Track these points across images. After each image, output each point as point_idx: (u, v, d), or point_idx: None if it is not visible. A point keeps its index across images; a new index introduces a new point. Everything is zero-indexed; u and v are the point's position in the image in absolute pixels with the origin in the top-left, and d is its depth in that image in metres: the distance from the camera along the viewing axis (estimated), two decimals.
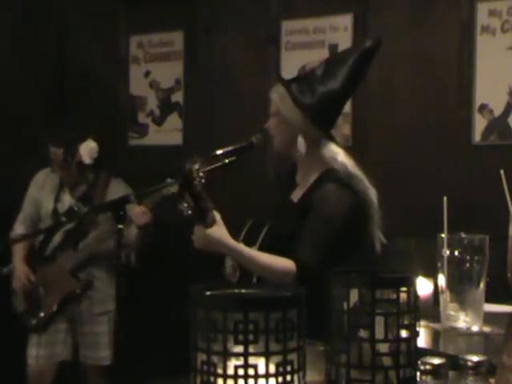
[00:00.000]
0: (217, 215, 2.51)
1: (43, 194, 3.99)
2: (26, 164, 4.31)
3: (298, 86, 2.65)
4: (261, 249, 2.60)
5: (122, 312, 3.91)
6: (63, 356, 3.93)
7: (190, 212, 2.45)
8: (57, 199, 3.94)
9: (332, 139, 2.66)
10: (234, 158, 2.63)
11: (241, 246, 2.55)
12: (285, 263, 2.49)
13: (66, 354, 3.94)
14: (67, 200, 3.94)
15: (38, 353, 3.86)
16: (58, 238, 3.91)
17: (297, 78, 2.75)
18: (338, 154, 2.64)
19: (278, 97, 2.68)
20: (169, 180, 2.82)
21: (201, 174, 2.47)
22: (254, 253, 2.54)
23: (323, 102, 2.61)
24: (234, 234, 2.63)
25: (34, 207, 4.01)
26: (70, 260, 3.85)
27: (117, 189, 3.92)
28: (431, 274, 2.55)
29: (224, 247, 2.52)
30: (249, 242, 2.63)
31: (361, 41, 2.76)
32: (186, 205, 2.44)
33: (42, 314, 3.83)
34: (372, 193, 2.61)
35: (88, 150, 3.89)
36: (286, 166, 2.83)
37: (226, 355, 1.26)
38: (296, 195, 2.70)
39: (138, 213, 3.66)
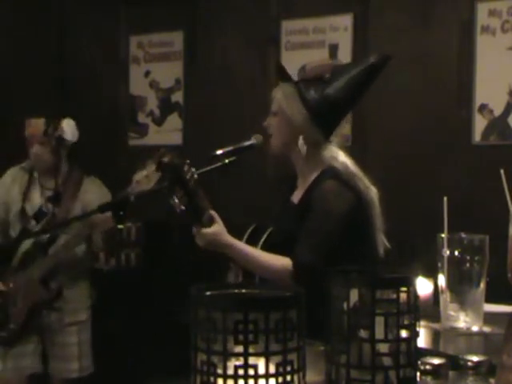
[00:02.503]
0: (215, 214, 2.51)
1: (11, 195, 3.78)
2: None
3: (305, 86, 2.64)
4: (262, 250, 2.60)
5: (97, 321, 3.90)
6: (33, 368, 3.73)
7: (182, 208, 2.44)
8: (25, 198, 3.73)
9: (330, 142, 2.66)
10: (233, 157, 2.62)
11: (240, 244, 2.54)
12: (282, 261, 2.48)
13: (36, 367, 3.74)
14: (37, 199, 3.73)
15: (5, 365, 3.67)
16: (26, 243, 3.68)
17: (304, 79, 2.75)
18: (338, 154, 2.63)
19: (282, 95, 2.67)
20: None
21: (193, 169, 2.46)
22: (252, 250, 2.54)
23: (327, 104, 2.61)
24: (236, 236, 2.63)
25: (2, 210, 3.81)
26: (39, 268, 3.62)
27: (91, 188, 3.75)
28: (431, 274, 2.55)
29: (223, 246, 2.52)
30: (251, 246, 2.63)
31: (367, 56, 2.75)
32: (176, 200, 2.43)
33: (12, 326, 3.63)
34: (373, 192, 2.59)
35: (70, 126, 3.68)
36: (287, 167, 2.82)
37: (226, 355, 1.26)
38: (296, 196, 2.69)
39: (102, 218, 3.50)
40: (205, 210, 2.48)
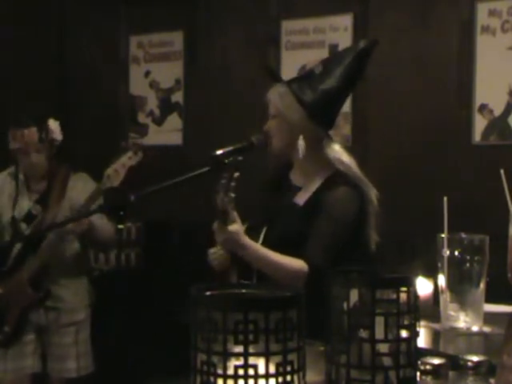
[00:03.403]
0: (236, 215, 2.52)
1: (1, 201, 3.75)
2: None
3: (298, 84, 2.65)
4: None
5: (97, 321, 3.89)
6: (33, 368, 3.70)
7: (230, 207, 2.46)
8: (15, 204, 3.70)
9: (331, 139, 2.66)
10: (233, 158, 2.62)
11: (256, 245, 2.55)
12: (297, 263, 2.49)
13: (36, 367, 3.71)
14: (26, 204, 3.70)
15: (6, 367, 3.64)
16: (18, 247, 3.66)
17: (296, 78, 2.75)
18: (342, 155, 2.64)
19: (278, 96, 2.66)
20: None
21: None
22: (267, 252, 2.54)
23: (324, 100, 2.61)
24: None
25: None
26: (28, 268, 3.60)
27: (77, 184, 3.70)
28: (431, 274, 2.55)
29: (240, 246, 2.51)
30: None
31: (357, 42, 2.78)
32: (232, 195, 2.44)
33: (6, 329, 3.61)
34: (374, 193, 2.62)
35: (56, 125, 3.64)
36: (280, 167, 2.84)
37: (226, 355, 1.26)
38: (301, 198, 2.67)
39: (74, 223, 3.43)
40: (231, 210, 2.49)
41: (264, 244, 2.61)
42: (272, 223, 2.66)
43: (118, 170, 3.26)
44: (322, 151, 2.63)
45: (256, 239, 2.63)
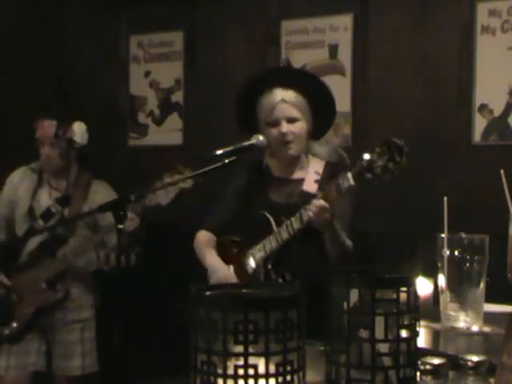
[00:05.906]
0: None
1: (18, 194, 3.78)
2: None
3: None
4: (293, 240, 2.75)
5: (96, 321, 3.89)
6: (36, 366, 3.71)
7: None
8: (33, 197, 3.73)
9: None
10: (233, 157, 2.63)
11: None
12: (349, 241, 2.84)
13: (40, 364, 3.72)
14: (45, 200, 3.73)
15: (9, 363, 3.65)
16: (33, 243, 3.68)
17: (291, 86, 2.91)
18: (334, 146, 3.01)
19: (299, 101, 2.81)
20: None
21: None
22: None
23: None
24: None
25: (8, 209, 3.80)
26: (46, 269, 3.62)
27: (100, 190, 3.76)
28: (431, 274, 2.55)
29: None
30: (260, 235, 2.79)
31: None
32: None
33: (14, 324, 3.62)
34: None
35: (81, 129, 3.69)
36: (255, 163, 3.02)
37: (226, 355, 1.26)
38: (309, 186, 2.84)
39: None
40: None
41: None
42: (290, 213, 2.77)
43: (169, 190, 3.14)
44: (315, 144, 2.95)
45: (268, 230, 2.78)
